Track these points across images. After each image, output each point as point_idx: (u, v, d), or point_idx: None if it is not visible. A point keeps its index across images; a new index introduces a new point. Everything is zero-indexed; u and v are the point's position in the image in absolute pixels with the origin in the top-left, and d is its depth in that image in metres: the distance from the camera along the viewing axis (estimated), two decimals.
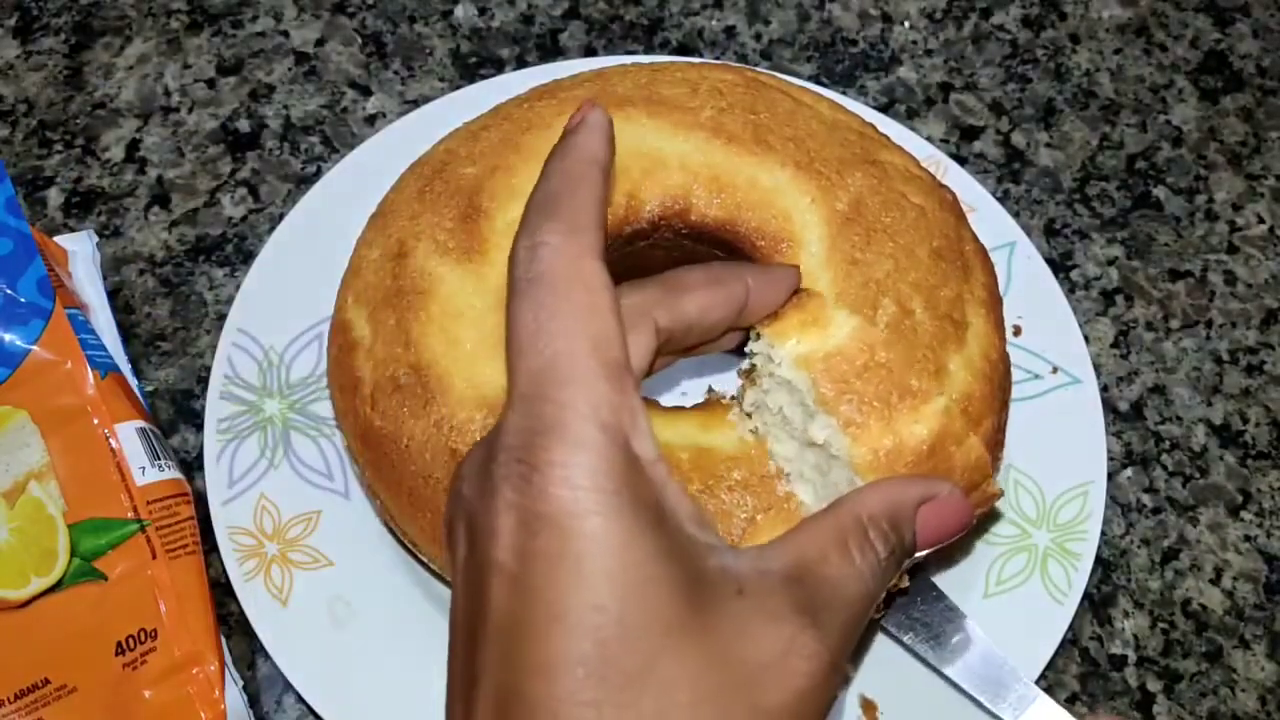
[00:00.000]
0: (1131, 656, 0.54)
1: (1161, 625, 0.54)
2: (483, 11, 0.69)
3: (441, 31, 0.68)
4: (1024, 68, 0.69)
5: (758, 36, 0.69)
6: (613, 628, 0.29)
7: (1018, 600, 0.51)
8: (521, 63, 0.67)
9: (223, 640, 0.48)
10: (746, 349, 0.43)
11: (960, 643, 0.49)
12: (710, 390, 0.48)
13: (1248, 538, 0.57)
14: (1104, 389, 0.59)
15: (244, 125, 0.64)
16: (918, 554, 0.37)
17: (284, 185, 0.63)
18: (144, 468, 0.47)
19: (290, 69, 0.66)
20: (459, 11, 0.69)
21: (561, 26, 0.68)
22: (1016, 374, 0.53)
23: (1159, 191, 0.66)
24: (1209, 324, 0.62)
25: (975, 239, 0.51)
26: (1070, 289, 0.62)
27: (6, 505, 0.46)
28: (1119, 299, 0.62)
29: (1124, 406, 0.59)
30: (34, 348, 0.48)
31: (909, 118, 0.67)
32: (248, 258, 0.60)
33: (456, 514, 0.33)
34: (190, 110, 0.65)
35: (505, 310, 0.33)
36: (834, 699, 0.33)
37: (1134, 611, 0.55)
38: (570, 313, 0.32)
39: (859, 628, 0.34)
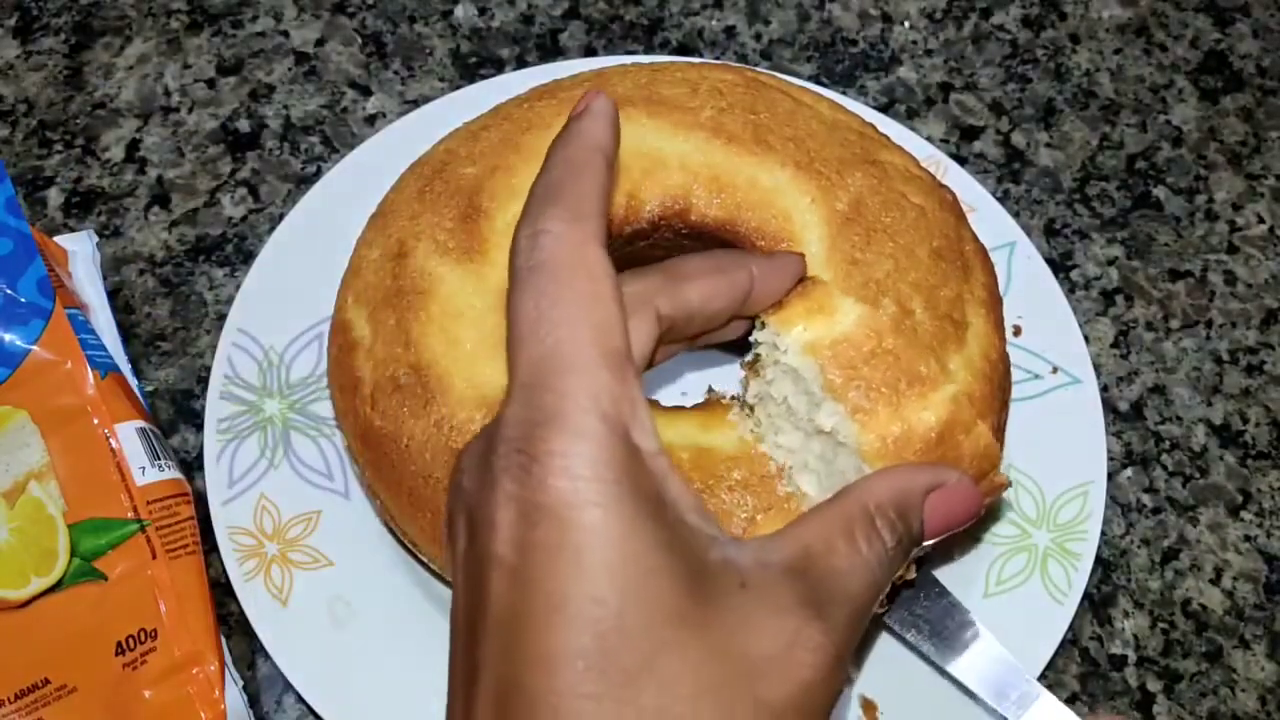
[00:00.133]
0: (1131, 656, 0.54)
1: (1161, 625, 0.54)
2: (483, 11, 0.69)
3: (441, 31, 0.68)
4: (1024, 68, 0.69)
5: (758, 36, 0.69)
6: (613, 620, 0.29)
7: (1018, 600, 0.51)
8: (521, 63, 0.67)
9: (223, 640, 0.48)
10: (751, 338, 0.43)
11: (963, 640, 0.49)
12: (710, 390, 0.48)
13: (1248, 538, 0.57)
14: (1104, 389, 0.59)
15: (244, 125, 0.64)
16: (925, 543, 0.37)
17: (284, 185, 0.63)
18: (144, 468, 0.47)
19: (290, 69, 0.66)
20: (459, 11, 0.69)
21: (561, 26, 0.68)
22: (1016, 374, 0.53)
23: (1159, 191, 0.66)
24: (1209, 324, 0.62)
25: (975, 239, 0.51)
26: (1070, 289, 0.62)
27: (6, 505, 0.46)
28: (1119, 299, 0.62)
29: (1124, 406, 0.59)
30: (34, 348, 0.48)
31: (909, 118, 0.67)
32: (248, 258, 0.60)
33: (456, 506, 0.33)
34: (190, 110, 0.65)
35: (506, 300, 0.32)
36: (839, 693, 0.32)
37: (1134, 611, 0.55)
38: (572, 301, 0.31)
39: (865, 620, 0.34)
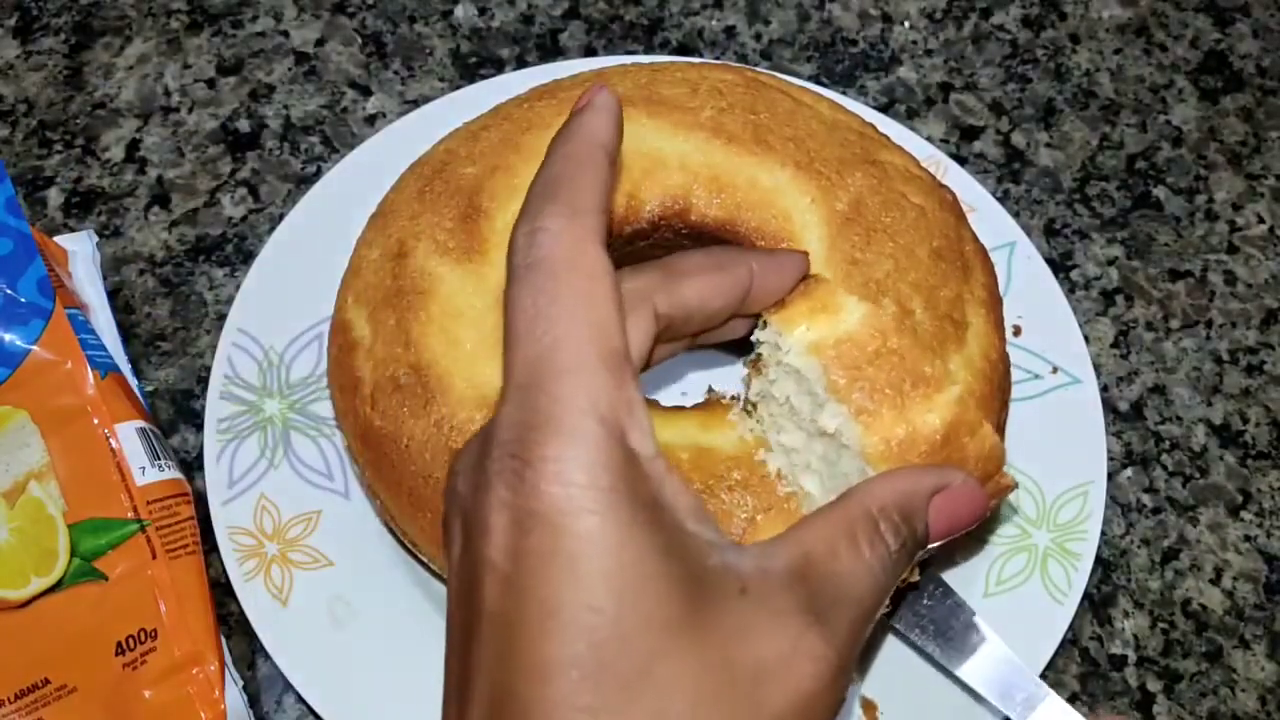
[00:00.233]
0: (1131, 656, 0.54)
1: (1161, 625, 0.54)
2: (483, 11, 0.69)
3: (441, 31, 0.68)
4: (1024, 68, 0.69)
5: (758, 36, 0.69)
6: (608, 629, 0.28)
7: (1018, 600, 0.51)
8: (521, 63, 0.67)
9: (223, 640, 0.48)
10: (753, 337, 0.43)
11: (968, 640, 0.48)
12: (710, 390, 0.48)
13: (1248, 538, 0.57)
14: (1104, 389, 0.59)
15: (244, 125, 0.64)
16: (930, 546, 0.36)
17: (284, 185, 0.63)
18: (144, 468, 0.47)
19: (290, 69, 0.66)
20: (459, 11, 0.69)
21: (561, 26, 0.68)
22: (1016, 374, 0.53)
23: (1159, 191, 0.66)
24: (1209, 324, 0.62)
25: (975, 239, 0.51)
26: (1070, 289, 0.62)
27: (6, 505, 0.46)
28: (1119, 299, 0.62)
29: (1124, 406, 0.59)
30: (34, 348, 0.48)
31: (909, 118, 0.67)
32: (248, 258, 0.60)
33: (452, 510, 0.32)
34: (190, 110, 0.65)
35: (504, 297, 0.32)
36: (842, 701, 0.32)
37: (1134, 611, 0.55)
38: (569, 299, 0.31)
39: (868, 624, 0.33)
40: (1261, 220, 0.65)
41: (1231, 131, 0.68)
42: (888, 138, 0.53)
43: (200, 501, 0.50)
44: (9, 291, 0.48)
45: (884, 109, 0.66)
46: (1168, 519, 0.57)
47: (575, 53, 0.67)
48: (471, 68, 0.67)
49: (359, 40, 0.67)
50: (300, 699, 0.50)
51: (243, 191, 0.62)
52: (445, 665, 0.32)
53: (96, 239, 0.54)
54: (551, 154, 0.34)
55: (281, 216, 0.58)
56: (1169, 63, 0.70)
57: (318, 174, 0.62)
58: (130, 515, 0.47)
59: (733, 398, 0.48)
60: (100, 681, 0.45)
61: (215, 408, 0.53)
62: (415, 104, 0.64)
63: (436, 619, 0.50)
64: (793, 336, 0.41)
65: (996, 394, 0.48)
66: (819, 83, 0.66)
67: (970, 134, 0.66)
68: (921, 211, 0.49)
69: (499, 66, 0.67)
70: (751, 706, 0.29)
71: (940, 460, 0.39)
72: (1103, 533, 0.54)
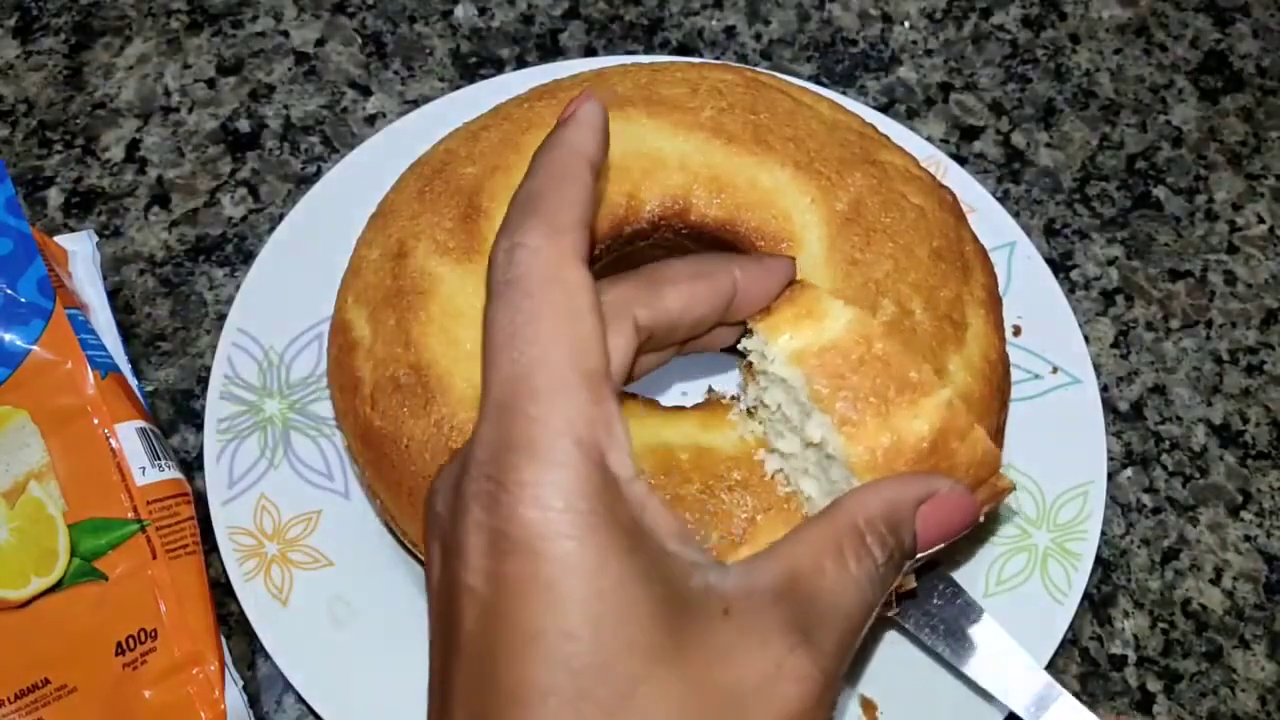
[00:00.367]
0: (1131, 656, 0.54)
1: (1161, 625, 0.54)
2: (483, 11, 0.69)
3: (441, 31, 0.68)
4: (1024, 68, 0.69)
5: (758, 36, 0.69)
6: (587, 655, 0.28)
7: (1018, 600, 0.51)
8: (521, 63, 0.67)
9: (223, 640, 0.48)
10: (739, 345, 0.42)
11: (978, 639, 0.48)
12: (710, 390, 0.48)
13: (1248, 538, 0.57)
14: (1104, 389, 0.59)
15: (244, 125, 0.64)
16: (920, 555, 0.36)
17: (284, 185, 0.63)
18: (144, 468, 0.47)
19: (290, 69, 0.66)
20: (459, 11, 0.69)
21: (561, 26, 0.68)
22: (1016, 374, 0.53)
23: (1159, 191, 0.66)
24: (1209, 324, 0.62)
25: (975, 239, 0.51)
26: (1070, 289, 0.62)
27: (6, 505, 0.46)
28: (1119, 299, 0.62)
29: (1124, 406, 0.59)
30: (34, 348, 0.48)
31: (909, 118, 0.67)
32: (248, 258, 0.60)
33: (431, 531, 0.32)
34: (190, 110, 0.65)
35: (483, 313, 0.32)
36: (832, 714, 0.31)
37: (1134, 611, 0.55)
38: (548, 317, 0.30)
39: (856, 641, 0.33)
40: (1261, 220, 0.65)
41: (1231, 131, 0.68)
42: (888, 138, 0.53)
43: (200, 501, 0.50)
44: (9, 291, 0.48)
45: (884, 109, 0.66)
46: (1168, 519, 0.57)
47: (575, 53, 0.67)
48: (471, 68, 0.67)
49: (359, 40, 0.67)
50: (300, 699, 0.50)
51: (243, 191, 0.62)
52: (428, 690, 0.32)
53: (96, 239, 0.54)
54: (534, 167, 0.34)
55: (281, 216, 0.58)
56: (1169, 63, 0.70)
57: (318, 174, 0.62)
58: (130, 515, 0.47)
59: (733, 398, 0.48)
60: (100, 681, 0.45)
61: (215, 408, 0.53)
62: (415, 104, 0.64)
63: None
64: (776, 345, 0.40)
65: (996, 395, 0.48)
66: (819, 83, 0.66)
67: (970, 134, 0.66)
68: (921, 212, 0.49)
69: (499, 66, 0.67)
70: None
71: (929, 468, 0.39)
72: (1103, 533, 0.54)
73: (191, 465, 0.55)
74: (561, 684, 0.28)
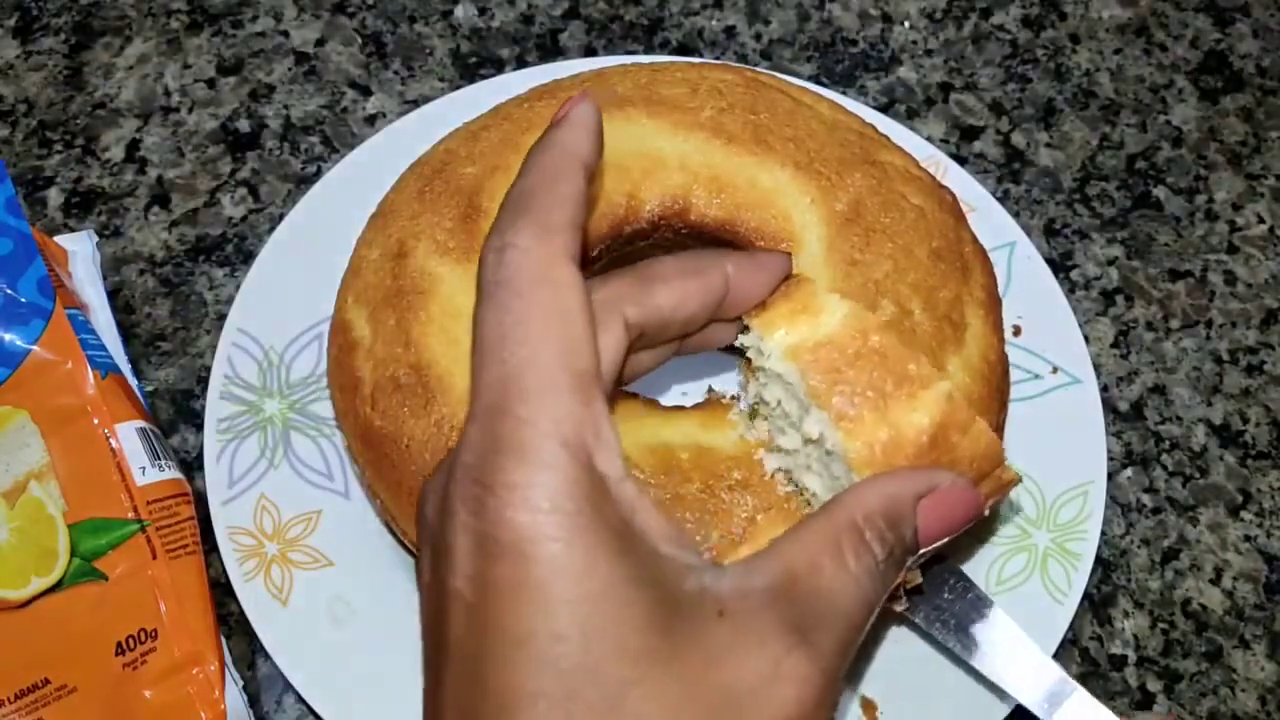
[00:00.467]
0: (1131, 656, 0.54)
1: (1161, 625, 0.54)
2: (483, 11, 0.69)
3: (441, 31, 0.68)
4: (1024, 68, 0.69)
5: (758, 36, 0.69)
6: (575, 658, 0.27)
7: (1018, 600, 0.51)
8: (521, 63, 0.67)
9: (223, 640, 0.48)
10: (736, 341, 0.42)
11: (990, 634, 0.47)
12: (710, 390, 0.48)
13: (1248, 538, 0.57)
14: (1104, 389, 0.59)
15: (244, 125, 0.64)
16: (922, 551, 0.35)
17: (284, 185, 0.63)
18: (144, 468, 0.48)
19: (290, 69, 0.66)
20: (459, 11, 0.69)
21: (561, 26, 0.68)
22: (1016, 374, 0.53)
23: (1159, 191, 0.66)
24: (1209, 324, 0.62)
25: (975, 240, 0.51)
26: (1070, 289, 0.62)
27: (6, 505, 0.46)
28: (1119, 299, 0.62)
29: (1124, 406, 0.59)
30: (34, 348, 0.48)
31: (909, 118, 0.67)
32: (248, 258, 0.60)
33: (422, 536, 0.31)
34: (190, 110, 0.65)
35: (473, 314, 0.31)
36: (834, 715, 0.31)
37: (1134, 611, 0.55)
38: (537, 319, 0.30)
39: (857, 640, 0.32)
40: (1261, 220, 0.65)
41: (1231, 131, 0.68)
42: (888, 138, 0.53)
43: (200, 501, 0.50)
44: (9, 291, 0.48)
45: (884, 109, 0.66)
46: (1168, 519, 0.57)
47: (575, 53, 0.67)
48: (471, 68, 0.67)
49: (359, 40, 0.67)
50: (300, 699, 0.50)
51: (243, 191, 0.62)
52: (422, 695, 0.31)
53: (96, 239, 0.54)
54: (525, 167, 0.33)
55: (281, 216, 0.58)
56: (1169, 63, 0.70)
57: (318, 174, 0.62)
58: (130, 515, 0.47)
59: (733, 397, 0.48)
60: (100, 681, 0.45)
61: (215, 408, 0.53)
62: (415, 104, 0.64)
63: None
64: (772, 341, 0.39)
65: (995, 395, 0.48)
66: (819, 83, 0.66)
67: (970, 134, 0.66)
68: (921, 212, 0.49)
69: (499, 66, 0.67)
70: None
71: (930, 462, 0.38)
72: (1103, 533, 0.54)
73: (191, 465, 0.55)
74: (550, 687, 0.27)
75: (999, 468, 0.40)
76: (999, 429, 0.49)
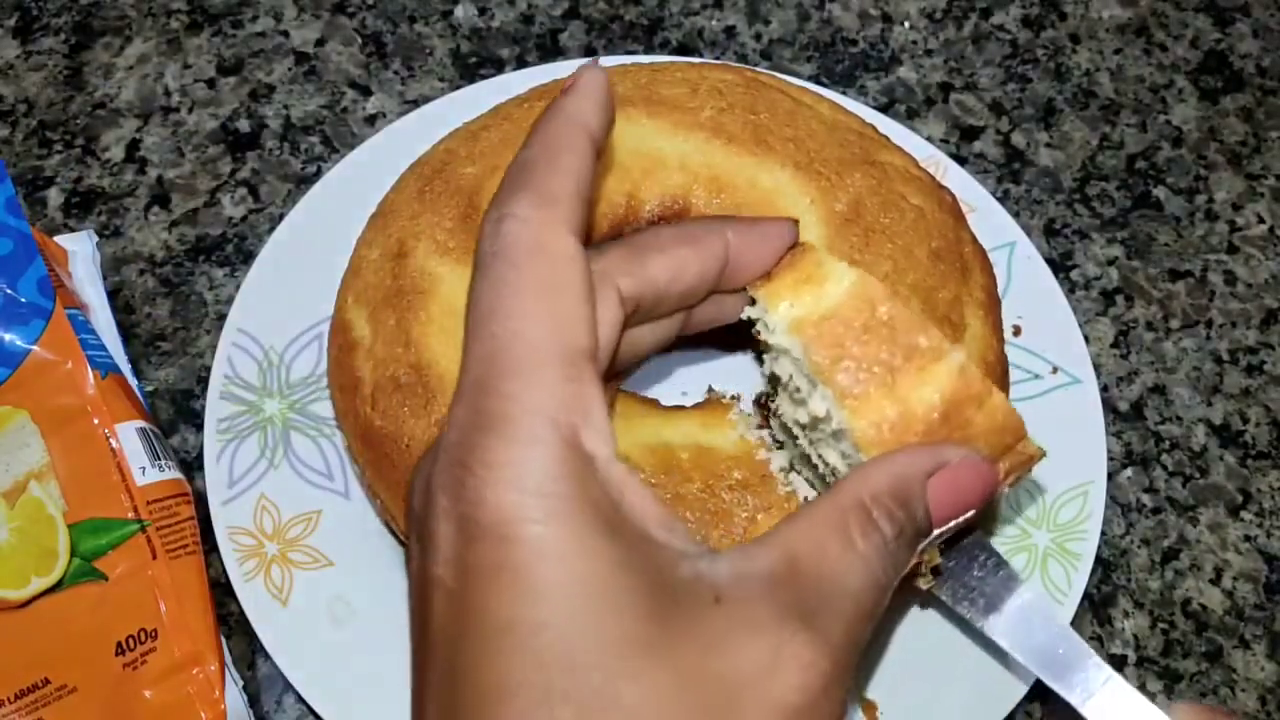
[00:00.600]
0: (1131, 656, 0.54)
1: (1161, 625, 0.54)
2: (483, 11, 0.69)
3: (441, 31, 0.68)
4: (1024, 68, 0.69)
5: (758, 36, 0.69)
6: (559, 647, 0.26)
7: None
8: (521, 63, 0.67)
9: (223, 640, 0.48)
10: (743, 314, 0.40)
11: (1021, 616, 0.43)
12: (710, 390, 0.48)
13: (1248, 538, 0.57)
14: (1104, 389, 0.59)
15: (244, 125, 0.64)
16: (937, 531, 0.33)
17: (284, 185, 0.63)
18: (144, 468, 0.48)
19: (290, 69, 0.66)
20: (459, 11, 0.69)
21: (561, 26, 0.68)
22: (1016, 374, 0.53)
23: (1159, 191, 0.66)
24: (1209, 324, 0.62)
25: (974, 240, 0.51)
26: (1070, 289, 0.62)
27: (6, 505, 0.46)
28: (1119, 299, 0.62)
29: (1124, 406, 0.59)
30: (34, 348, 0.48)
31: (909, 118, 0.67)
32: (248, 258, 0.60)
33: (410, 526, 0.30)
34: (190, 110, 0.65)
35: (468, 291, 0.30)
36: (844, 712, 0.29)
37: (1134, 611, 0.55)
38: (531, 291, 0.28)
39: (869, 623, 0.30)
40: (1261, 220, 0.65)
41: (1231, 131, 0.68)
42: (888, 138, 0.53)
43: (200, 501, 0.50)
44: (9, 291, 0.48)
45: (884, 109, 0.66)
46: (1168, 519, 0.57)
47: (575, 53, 0.67)
48: (471, 68, 0.67)
49: (359, 40, 0.67)
50: (300, 699, 0.50)
51: (243, 191, 0.62)
52: (410, 690, 0.30)
53: (96, 239, 0.54)
54: (530, 136, 0.32)
55: (281, 216, 0.58)
56: (1169, 63, 0.70)
57: (318, 174, 0.62)
58: (130, 515, 0.47)
59: (733, 397, 0.48)
60: (100, 681, 0.45)
61: (215, 408, 0.53)
62: (415, 104, 0.64)
63: None
64: (776, 314, 0.37)
65: None
66: (819, 83, 0.66)
67: (970, 134, 0.66)
68: (921, 213, 0.49)
69: (499, 66, 0.67)
70: None
71: (943, 439, 0.35)
72: (1103, 533, 0.54)
73: (191, 465, 0.55)
74: (532, 678, 0.26)
75: (1020, 442, 0.37)
76: None
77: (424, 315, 0.47)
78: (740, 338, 0.45)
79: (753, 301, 0.39)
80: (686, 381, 0.55)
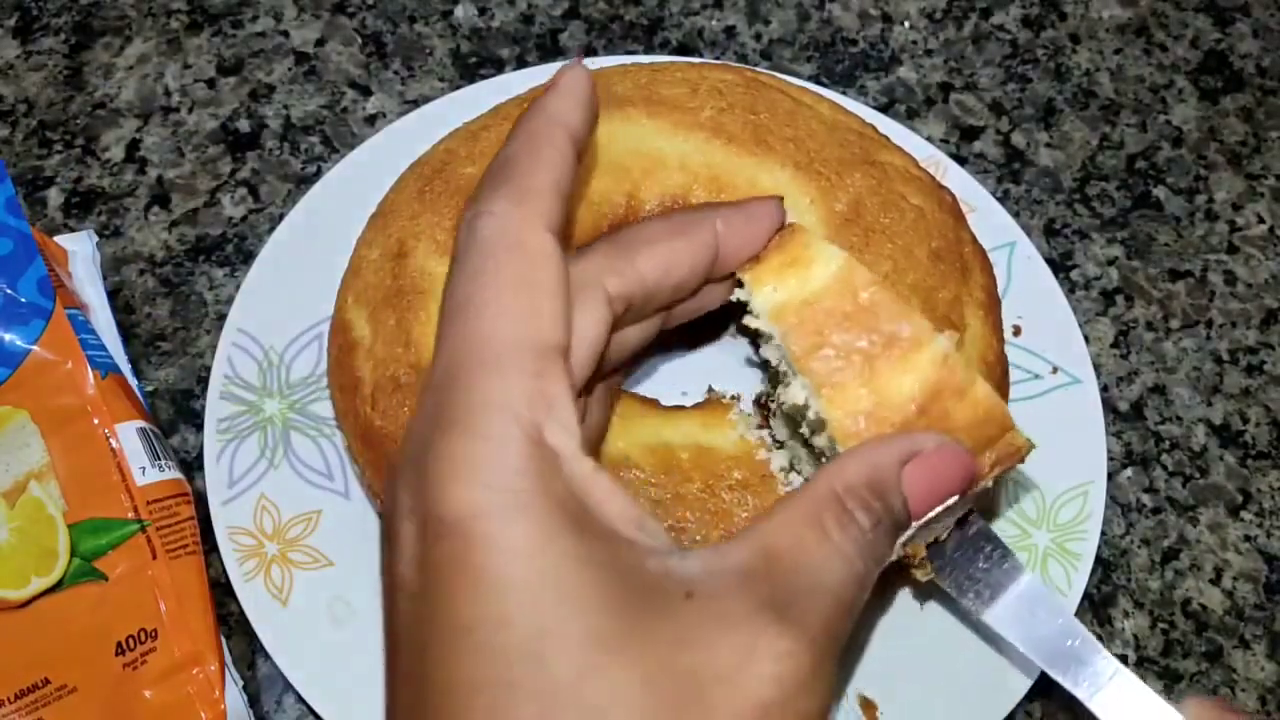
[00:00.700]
0: (1131, 656, 0.54)
1: (1161, 625, 0.54)
2: (483, 11, 0.69)
3: (441, 31, 0.68)
4: (1024, 68, 0.69)
5: (758, 36, 0.69)
6: (523, 646, 0.25)
7: None
8: (521, 63, 0.67)
9: (223, 640, 0.48)
10: (733, 296, 0.39)
11: (1026, 608, 0.42)
12: (710, 390, 0.48)
13: (1248, 538, 0.57)
14: (1104, 389, 0.59)
15: (244, 125, 0.64)
16: (916, 521, 0.33)
17: (284, 185, 0.63)
18: (144, 468, 0.48)
19: (290, 69, 0.66)
20: (459, 11, 0.69)
21: (561, 26, 0.68)
22: (1016, 374, 0.53)
23: (1159, 191, 0.66)
24: (1209, 324, 0.62)
25: (974, 240, 0.51)
26: (1070, 289, 0.62)
27: (7, 505, 0.46)
28: (1119, 299, 0.62)
29: (1124, 406, 0.59)
30: (34, 348, 0.48)
31: (909, 118, 0.67)
32: (248, 258, 0.60)
33: (384, 530, 0.30)
34: (190, 110, 0.65)
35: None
36: (826, 707, 0.28)
37: (1134, 611, 0.55)
38: (503, 286, 0.28)
39: (848, 619, 0.30)
40: (1261, 220, 0.65)
41: (1231, 131, 0.68)
42: (888, 138, 0.53)
43: (200, 501, 0.50)
44: (9, 291, 0.48)
45: (884, 109, 0.66)
46: (1168, 519, 0.57)
47: (575, 53, 0.67)
48: (471, 68, 0.67)
49: (359, 40, 0.67)
50: (300, 699, 0.50)
51: (243, 191, 0.62)
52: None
53: (96, 239, 0.54)
54: (511, 133, 0.32)
55: (281, 216, 0.58)
56: (1169, 63, 0.70)
57: (318, 174, 0.62)
58: (130, 515, 0.47)
59: (733, 397, 0.48)
60: (100, 681, 0.45)
61: (215, 408, 0.53)
62: (415, 104, 0.64)
63: None
64: (760, 298, 0.36)
65: None
66: (819, 83, 0.66)
67: (970, 134, 0.66)
68: (920, 213, 0.49)
69: (499, 66, 0.67)
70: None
71: (921, 430, 0.34)
72: (1103, 533, 0.54)
73: (191, 465, 0.55)
74: (496, 677, 0.25)
75: (1008, 433, 0.36)
76: None
77: (424, 315, 0.47)
78: (718, 328, 0.44)
79: (739, 284, 0.38)
80: (686, 381, 0.55)
